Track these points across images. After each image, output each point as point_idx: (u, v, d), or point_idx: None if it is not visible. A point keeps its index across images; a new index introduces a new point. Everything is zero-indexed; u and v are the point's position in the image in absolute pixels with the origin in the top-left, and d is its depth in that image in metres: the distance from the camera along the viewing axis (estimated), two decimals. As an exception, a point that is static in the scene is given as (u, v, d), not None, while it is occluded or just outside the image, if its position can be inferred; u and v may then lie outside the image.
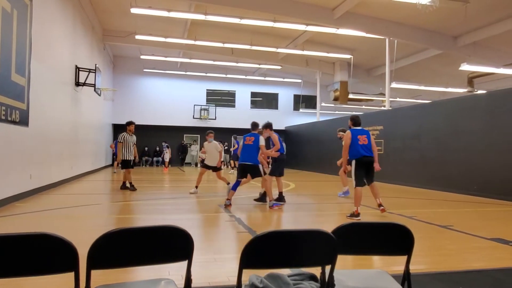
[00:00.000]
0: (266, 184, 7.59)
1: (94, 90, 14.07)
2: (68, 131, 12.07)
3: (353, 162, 6.77)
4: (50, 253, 1.65)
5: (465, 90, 18.45)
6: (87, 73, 13.38)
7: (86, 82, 13.39)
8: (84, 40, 14.43)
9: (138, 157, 10.89)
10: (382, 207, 6.85)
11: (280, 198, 8.14)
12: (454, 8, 13.16)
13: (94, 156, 17.51)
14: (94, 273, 1.72)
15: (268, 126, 8.23)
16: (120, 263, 1.85)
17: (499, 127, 9.82)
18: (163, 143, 23.48)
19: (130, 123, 10.38)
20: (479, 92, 16.24)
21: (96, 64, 14.18)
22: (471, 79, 18.48)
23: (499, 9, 13.54)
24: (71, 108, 12.48)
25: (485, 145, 10.15)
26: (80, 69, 13.12)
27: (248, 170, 7.58)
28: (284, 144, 8.78)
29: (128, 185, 10.30)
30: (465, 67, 13.83)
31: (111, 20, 17.74)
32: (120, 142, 10.11)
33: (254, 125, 8.05)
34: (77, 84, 12.98)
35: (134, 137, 10.41)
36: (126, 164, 10.19)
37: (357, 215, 6.46)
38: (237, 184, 7.62)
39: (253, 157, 7.54)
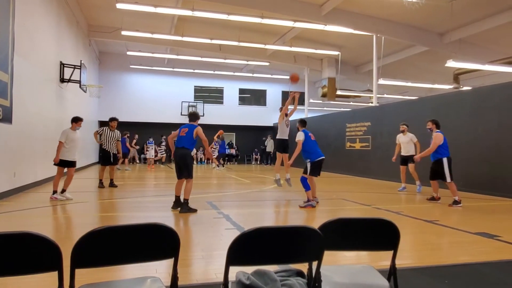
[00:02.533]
0: None
1: (80, 86, 13.85)
2: (53, 128, 11.87)
3: (445, 160, 7.88)
4: (34, 252, 1.63)
5: (451, 86, 18.69)
6: (72, 69, 13.16)
7: (71, 78, 13.17)
8: (69, 36, 14.20)
9: (121, 154, 10.81)
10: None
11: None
12: (440, 6, 13.30)
13: (80, 154, 17.26)
14: (79, 272, 1.69)
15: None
16: (105, 262, 1.83)
17: (484, 123, 9.97)
18: (148, 140, 23.16)
19: (112, 119, 10.42)
20: (465, 88, 16.47)
21: (81, 60, 13.97)
22: (457, 76, 18.71)
23: (483, 6, 13.73)
24: (56, 105, 12.28)
25: (470, 141, 10.29)
26: (65, 65, 12.90)
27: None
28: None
29: (107, 183, 10.24)
30: (451, 63, 13.98)
31: (96, 15, 17.49)
32: (98, 132, 10.27)
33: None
34: (62, 80, 12.77)
35: (117, 133, 10.39)
36: (105, 159, 10.18)
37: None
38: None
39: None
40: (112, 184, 10.22)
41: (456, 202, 7.69)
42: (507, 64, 14.98)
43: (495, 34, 15.63)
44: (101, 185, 10.13)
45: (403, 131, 10.39)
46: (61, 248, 1.64)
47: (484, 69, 15.39)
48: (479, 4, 13.53)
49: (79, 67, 13.42)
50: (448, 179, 7.76)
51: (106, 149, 10.16)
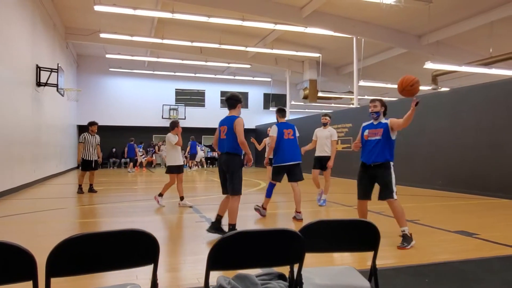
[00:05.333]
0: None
1: (57, 90, 13.56)
2: (30, 133, 11.59)
3: None
4: (6, 262, 1.57)
5: (430, 87, 19.04)
6: (49, 72, 12.88)
7: (48, 82, 12.89)
8: (45, 39, 13.90)
9: (102, 158, 10.63)
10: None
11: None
12: (417, 8, 13.54)
13: (59, 159, 16.93)
14: (57, 280, 1.64)
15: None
16: (82, 270, 1.78)
17: (462, 123, 10.18)
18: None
19: (92, 123, 10.23)
20: (443, 89, 16.79)
21: (58, 64, 13.67)
22: (435, 77, 19.08)
23: (460, 9, 14.06)
24: (32, 109, 11.98)
25: (449, 141, 10.49)
26: (42, 68, 12.61)
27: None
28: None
29: (87, 188, 10.07)
30: (429, 65, 14.25)
31: (73, 17, 17.17)
32: (81, 142, 9.96)
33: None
34: (39, 84, 12.47)
35: (98, 138, 10.24)
36: (86, 165, 9.98)
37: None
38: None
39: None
40: (91, 189, 10.04)
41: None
42: (482, 65, 15.35)
43: (471, 36, 16.02)
44: (80, 190, 9.94)
45: (325, 124, 8.13)
46: (37, 256, 1.59)
47: (461, 70, 15.74)
48: (456, 7, 13.85)
49: (56, 71, 13.14)
50: None
51: (87, 156, 9.94)
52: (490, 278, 3.47)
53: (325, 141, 7.93)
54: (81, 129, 23.42)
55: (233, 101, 5.20)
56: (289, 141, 6.42)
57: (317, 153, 8.04)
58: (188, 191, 10.84)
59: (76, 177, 16.34)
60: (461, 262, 3.86)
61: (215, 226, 5.07)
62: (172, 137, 7.84)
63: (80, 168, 10.23)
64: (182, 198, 7.78)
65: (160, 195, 7.82)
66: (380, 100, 5.10)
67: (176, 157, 7.89)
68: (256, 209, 6.68)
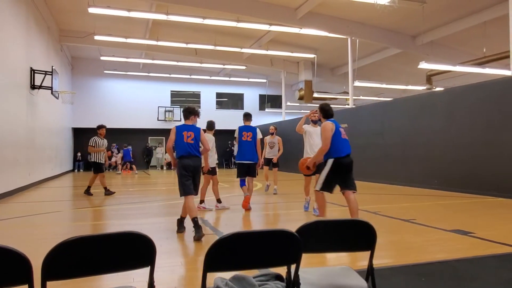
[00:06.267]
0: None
1: (51, 93, 13.50)
2: (24, 136, 11.53)
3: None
4: (1, 265, 1.56)
5: (424, 87, 19.14)
6: (44, 75, 12.82)
7: (43, 85, 12.82)
8: (39, 41, 13.83)
9: (107, 161, 11.01)
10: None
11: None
12: (412, 9, 13.61)
13: (54, 162, 16.85)
14: (52, 284, 1.63)
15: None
16: (78, 273, 1.77)
17: (456, 122, 10.23)
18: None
19: (100, 126, 10.36)
20: (438, 89, 16.88)
21: (52, 66, 13.62)
22: (430, 77, 19.18)
23: (453, 9, 14.15)
24: (27, 112, 11.91)
25: (444, 141, 10.54)
26: (36, 71, 12.55)
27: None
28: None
29: (95, 189, 10.28)
30: (424, 65, 14.31)
31: (68, 20, 17.11)
32: (92, 145, 10.02)
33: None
34: (33, 87, 12.40)
35: (105, 141, 10.39)
36: (98, 168, 10.10)
37: None
38: None
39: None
40: (108, 192, 10.13)
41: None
42: (476, 65, 15.44)
43: (465, 36, 16.13)
44: (107, 192, 10.18)
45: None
46: (33, 260, 1.58)
47: (455, 70, 15.83)
48: (449, 7, 13.94)
49: (50, 73, 13.08)
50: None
51: (99, 159, 10.07)
52: (486, 276, 3.49)
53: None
54: (76, 131, 23.34)
55: (186, 112, 5.71)
56: (246, 143, 7.31)
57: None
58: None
59: (71, 180, 16.28)
60: (457, 261, 3.88)
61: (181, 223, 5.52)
62: (211, 138, 7.44)
63: (93, 171, 10.25)
64: (219, 201, 7.60)
65: (202, 201, 7.49)
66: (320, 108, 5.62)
67: (213, 159, 7.60)
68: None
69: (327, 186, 5.15)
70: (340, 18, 15.46)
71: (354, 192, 5.13)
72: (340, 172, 5.12)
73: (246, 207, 7.25)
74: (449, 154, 10.33)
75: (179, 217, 5.54)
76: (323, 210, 5.42)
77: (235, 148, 12.34)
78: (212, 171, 7.49)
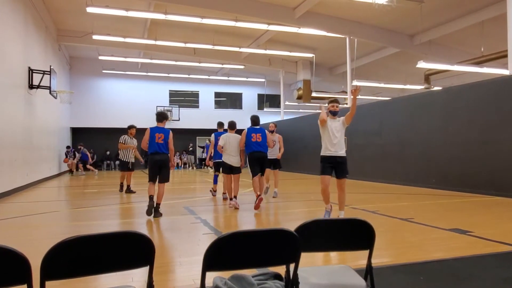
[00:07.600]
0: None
1: (50, 92, 13.47)
2: (22, 136, 11.50)
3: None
4: (0, 265, 1.55)
5: (423, 87, 19.16)
6: (42, 75, 12.80)
7: (41, 84, 12.80)
8: (37, 41, 13.80)
9: (142, 159, 11.49)
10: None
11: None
12: (410, 8, 13.63)
13: (52, 162, 16.82)
14: (51, 284, 1.63)
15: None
16: (77, 273, 1.77)
17: (454, 122, 10.26)
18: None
19: (131, 126, 10.74)
20: (436, 88, 16.91)
21: (50, 66, 13.58)
22: (428, 76, 19.20)
23: (451, 9, 14.17)
24: (25, 112, 11.89)
25: (442, 140, 10.56)
26: (34, 71, 12.52)
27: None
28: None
29: (125, 188, 10.53)
30: (422, 64, 14.33)
31: (66, 19, 17.07)
32: (122, 142, 10.38)
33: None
34: (31, 86, 12.38)
35: (135, 141, 10.59)
36: (123, 166, 10.42)
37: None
38: None
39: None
40: (129, 190, 10.42)
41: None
42: (474, 64, 15.47)
43: (463, 35, 16.16)
44: (121, 189, 10.55)
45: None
46: (31, 260, 1.58)
47: (453, 69, 15.85)
48: (447, 6, 13.96)
49: (48, 73, 13.06)
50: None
51: (125, 158, 10.38)
52: (484, 275, 3.50)
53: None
54: (75, 131, 23.31)
55: (160, 116, 6.91)
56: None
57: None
58: (183, 192, 10.82)
59: (67, 180, 16.27)
60: (455, 260, 3.89)
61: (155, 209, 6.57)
62: (236, 137, 7.71)
63: (119, 169, 10.73)
64: (235, 197, 7.69)
65: (229, 198, 7.81)
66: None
67: (236, 159, 7.80)
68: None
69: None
70: (338, 17, 15.46)
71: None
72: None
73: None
74: (447, 153, 10.35)
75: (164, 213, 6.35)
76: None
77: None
78: (237, 169, 7.72)
